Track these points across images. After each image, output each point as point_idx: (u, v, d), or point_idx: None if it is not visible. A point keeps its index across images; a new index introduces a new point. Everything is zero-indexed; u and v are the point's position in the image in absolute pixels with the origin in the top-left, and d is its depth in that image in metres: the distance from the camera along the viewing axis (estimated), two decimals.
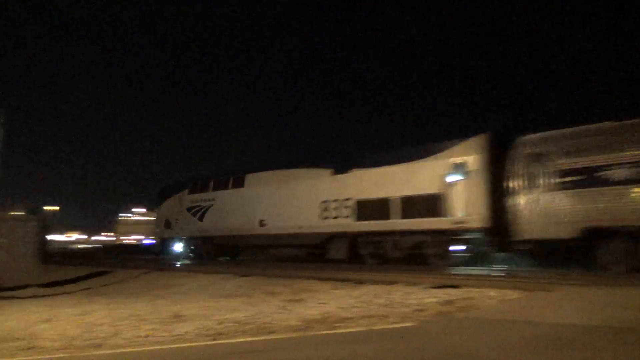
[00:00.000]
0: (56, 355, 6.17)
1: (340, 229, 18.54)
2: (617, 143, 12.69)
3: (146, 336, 7.03)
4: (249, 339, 6.71)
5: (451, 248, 15.94)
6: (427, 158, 16.59)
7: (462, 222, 15.42)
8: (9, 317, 9.46)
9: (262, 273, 14.45)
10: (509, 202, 14.43)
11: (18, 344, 6.74)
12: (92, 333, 7.34)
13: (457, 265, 15.53)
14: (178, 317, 8.47)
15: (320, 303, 9.47)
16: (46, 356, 6.17)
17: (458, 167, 15.69)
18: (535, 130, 14.89)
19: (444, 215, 15.80)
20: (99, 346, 6.57)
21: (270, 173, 22.32)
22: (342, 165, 19.30)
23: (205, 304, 10.21)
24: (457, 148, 16.04)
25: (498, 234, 14.82)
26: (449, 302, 8.65)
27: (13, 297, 13.05)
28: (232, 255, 24.68)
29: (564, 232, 13.03)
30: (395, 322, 7.29)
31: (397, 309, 8.46)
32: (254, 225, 21.68)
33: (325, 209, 19.08)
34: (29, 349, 6.50)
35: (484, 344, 5.60)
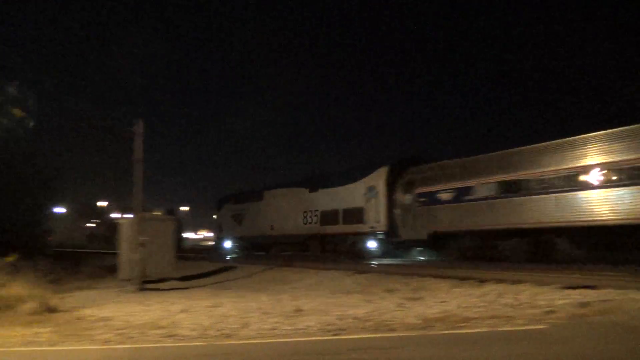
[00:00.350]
0: (194, 343, 6.77)
1: (314, 232, 25.85)
2: (447, 175, 19.65)
3: (272, 329, 7.41)
4: (370, 335, 6.76)
5: (368, 245, 22.62)
6: (357, 181, 23.35)
7: (373, 227, 22.14)
8: (153, 307, 10.56)
9: (380, 270, 14.46)
10: (396, 214, 21.35)
11: (161, 332, 7.50)
12: (223, 324, 7.92)
13: (375, 257, 21.46)
14: (299, 312, 8.79)
15: (440, 301, 9.23)
16: (185, 343, 6.79)
17: (372, 189, 22.43)
18: (413, 164, 21.87)
19: (364, 222, 22.58)
20: (229, 336, 7.07)
21: (276, 190, 30.00)
22: (313, 185, 26.78)
23: (325, 300, 10.48)
24: (372, 174, 22.67)
25: (393, 235, 21.49)
26: (584, 305, 7.91)
27: (157, 289, 14.56)
28: (266, 250, 30.51)
29: (421, 235, 20.02)
30: (523, 325, 6.85)
31: (524, 310, 7.95)
32: (268, 228, 29.33)
33: (305, 217, 26.52)
34: (170, 336, 7.20)
35: (627, 352, 5.04)
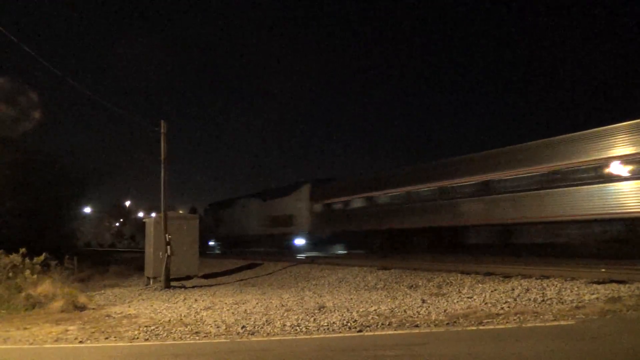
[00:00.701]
0: (218, 340, 6.83)
1: (267, 232, 33.31)
2: (338, 191, 27.33)
3: (295, 325, 7.42)
4: (393, 332, 6.71)
5: (296, 242, 29.75)
6: (290, 194, 30.83)
7: (300, 229, 29.38)
8: (178, 304, 10.70)
9: (403, 266, 14.35)
10: (313, 219, 28.53)
11: (186, 329, 7.59)
12: (246, 321, 7.97)
13: (302, 252, 27.35)
14: (322, 308, 8.79)
15: (465, 297, 9.11)
16: (210, 340, 6.85)
17: (300, 200, 29.76)
18: (324, 183, 29.40)
19: (295, 225, 29.94)
20: (253, 333, 7.11)
21: (243, 199, 38.29)
22: (265, 197, 34.71)
23: (348, 296, 10.45)
24: (300, 189, 30.11)
25: (312, 234, 28.79)
26: (615, 300, 7.70)
27: (182, 287, 14.75)
28: (244, 247, 35.30)
29: (327, 234, 27.45)
30: (551, 320, 6.70)
31: (551, 305, 7.78)
32: (242, 230, 36.54)
33: (262, 221, 33.74)
34: (195, 333, 7.28)
35: None
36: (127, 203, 68.61)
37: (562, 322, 6.51)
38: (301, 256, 23.53)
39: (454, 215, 20.16)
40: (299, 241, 29.29)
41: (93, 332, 7.60)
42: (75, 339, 7.23)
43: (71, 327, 8.09)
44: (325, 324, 7.36)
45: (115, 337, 7.24)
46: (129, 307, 10.65)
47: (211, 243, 41.46)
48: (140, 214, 55.95)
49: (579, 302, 7.81)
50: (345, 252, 26.04)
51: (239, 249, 34.96)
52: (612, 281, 9.08)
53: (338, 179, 29.69)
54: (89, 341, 7.09)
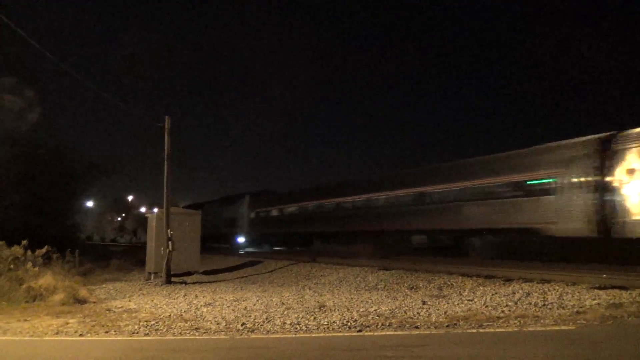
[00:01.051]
0: (218, 337, 6.83)
1: (223, 231, 39.25)
2: (263, 203, 34.95)
3: (295, 324, 7.42)
4: (393, 332, 6.70)
5: (238, 240, 36.25)
6: (236, 202, 38.00)
7: (241, 230, 36.33)
8: (179, 300, 10.72)
9: (404, 267, 14.33)
10: (250, 223, 35.51)
11: (186, 324, 7.60)
12: (246, 318, 7.97)
13: (242, 248, 33.49)
14: (323, 307, 8.78)
15: (465, 300, 9.09)
16: (210, 337, 6.86)
17: (241, 207, 36.79)
18: (258, 195, 37.80)
19: (238, 227, 36.91)
20: (253, 330, 7.11)
21: (212, 202, 45.20)
22: (224, 203, 41.92)
23: (348, 296, 10.44)
24: (243, 199, 37.30)
25: (249, 235, 35.89)
26: (616, 305, 7.67)
27: (183, 282, 14.77)
28: (210, 243, 39.98)
29: (259, 235, 34.45)
30: (552, 325, 6.68)
31: (552, 310, 7.76)
32: (209, 228, 37.82)
33: (221, 222, 39.77)
34: (195, 329, 7.28)
35: None
36: (130, 198, 68.71)
37: (563, 327, 6.49)
38: (241, 251, 30.79)
39: (326, 222, 27.09)
40: (240, 239, 36.78)
41: (93, 326, 7.62)
42: (75, 332, 7.25)
43: (71, 320, 8.10)
44: (325, 323, 7.36)
45: (115, 331, 7.26)
46: (130, 301, 10.67)
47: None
48: (143, 209, 56.09)
49: (580, 307, 7.79)
50: (274, 248, 32.38)
51: (207, 245, 40.71)
52: (613, 287, 9.05)
53: (270, 193, 38.35)
54: (89, 334, 7.11)
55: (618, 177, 13.65)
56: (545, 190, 15.36)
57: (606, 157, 14.02)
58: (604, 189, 13.92)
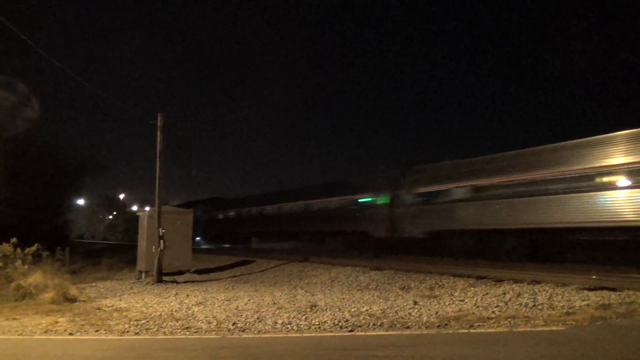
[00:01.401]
0: (209, 336, 6.81)
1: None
2: (219, 207, 41.88)
3: (287, 323, 7.41)
4: (385, 332, 6.72)
5: (197, 238, 37.61)
6: (197, 207, 36.77)
7: (200, 230, 38.71)
8: (170, 299, 10.67)
9: (395, 267, 14.36)
10: (207, 224, 40.81)
11: (177, 324, 7.57)
12: (238, 317, 7.95)
13: (200, 245, 37.33)
14: (314, 307, 8.78)
15: (456, 300, 9.13)
16: (201, 336, 6.83)
17: (199, 211, 37.18)
18: (213, 200, 45.03)
19: (198, 227, 35.45)
20: (244, 330, 7.09)
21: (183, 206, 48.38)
22: (189, 206, 41.60)
23: (340, 296, 10.45)
24: (202, 203, 42.81)
25: (205, 233, 40.99)
26: (605, 307, 7.74)
27: (174, 282, 14.71)
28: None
29: (212, 234, 40.72)
30: (542, 325, 6.73)
31: (542, 310, 7.82)
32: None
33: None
34: (186, 328, 7.26)
35: None
36: (121, 196, 68.30)
37: (553, 328, 6.54)
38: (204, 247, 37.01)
39: (261, 223, 33.59)
40: (198, 238, 41.30)
41: (83, 325, 7.57)
42: (65, 330, 7.20)
43: (61, 319, 8.05)
44: (317, 323, 7.36)
45: (105, 330, 7.21)
46: (120, 300, 10.62)
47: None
48: (134, 207, 55.81)
49: (570, 308, 7.85)
50: (228, 245, 37.34)
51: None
52: (602, 288, 9.12)
53: (219, 200, 44.18)
54: (78, 333, 7.06)
55: None
56: None
57: None
58: None
